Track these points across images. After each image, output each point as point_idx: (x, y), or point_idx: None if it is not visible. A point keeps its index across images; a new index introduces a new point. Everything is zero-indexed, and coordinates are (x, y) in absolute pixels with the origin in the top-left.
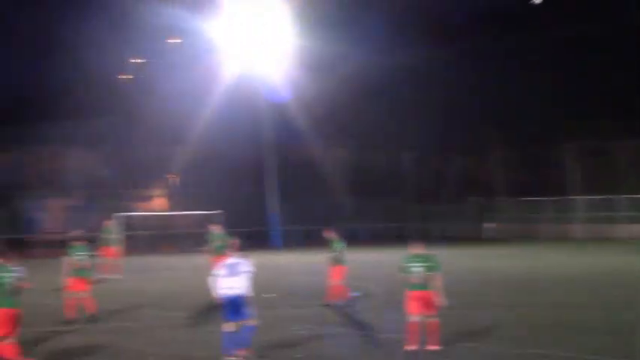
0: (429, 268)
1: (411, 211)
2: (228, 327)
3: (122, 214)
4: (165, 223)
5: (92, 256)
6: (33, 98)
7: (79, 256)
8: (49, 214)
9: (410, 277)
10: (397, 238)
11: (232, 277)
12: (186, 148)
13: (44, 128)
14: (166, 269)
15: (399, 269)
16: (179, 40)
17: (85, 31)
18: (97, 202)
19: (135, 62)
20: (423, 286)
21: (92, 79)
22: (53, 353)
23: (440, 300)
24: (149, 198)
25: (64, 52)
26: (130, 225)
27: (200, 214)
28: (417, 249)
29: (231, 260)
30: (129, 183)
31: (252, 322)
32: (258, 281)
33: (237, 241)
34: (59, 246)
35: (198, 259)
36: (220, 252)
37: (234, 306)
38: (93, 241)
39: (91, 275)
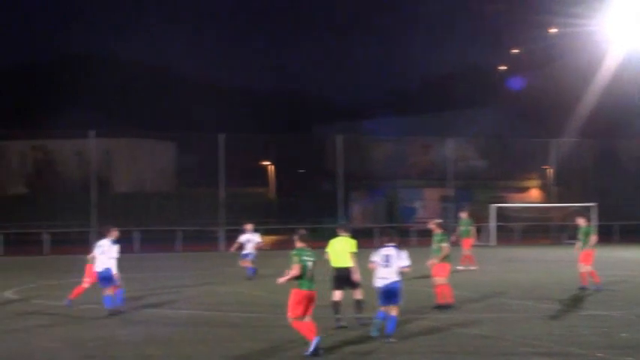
0: None
1: None
2: None
3: (496, 204)
4: (540, 214)
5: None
6: (416, 89)
7: (443, 242)
8: (425, 203)
9: None
10: None
11: None
12: (563, 138)
13: (424, 119)
14: (537, 261)
15: None
16: (556, 30)
17: (463, 23)
18: (472, 193)
19: (515, 53)
20: None
21: (472, 70)
22: (413, 333)
23: None
24: (524, 189)
25: (443, 44)
26: (503, 216)
27: (575, 206)
28: None
29: None
30: (504, 174)
31: None
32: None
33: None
34: (431, 235)
35: (572, 252)
36: (587, 245)
37: None
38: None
39: (451, 262)
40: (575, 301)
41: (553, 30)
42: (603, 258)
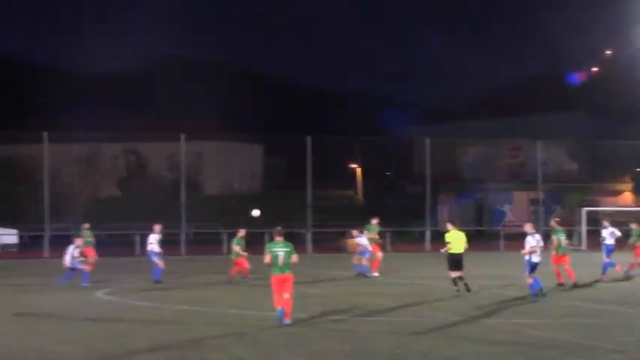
0: None
1: None
2: None
3: (587, 208)
4: (633, 218)
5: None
6: (507, 91)
7: (562, 235)
8: (514, 206)
9: None
10: None
11: None
12: None
13: (513, 121)
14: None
15: None
16: None
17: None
18: (562, 196)
19: (607, 54)
20: None
21: (564, 72)
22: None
23: None
24: (617, 192)
25: (535, 44)
26: (595, 220)
27: None
28: None
29: None
30: (595, 177)
31: None
32: None
33: None
34: (521, 239)
35: None
36: None
37: None
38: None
39: (568, 252)
40: None
41: None
42: None
